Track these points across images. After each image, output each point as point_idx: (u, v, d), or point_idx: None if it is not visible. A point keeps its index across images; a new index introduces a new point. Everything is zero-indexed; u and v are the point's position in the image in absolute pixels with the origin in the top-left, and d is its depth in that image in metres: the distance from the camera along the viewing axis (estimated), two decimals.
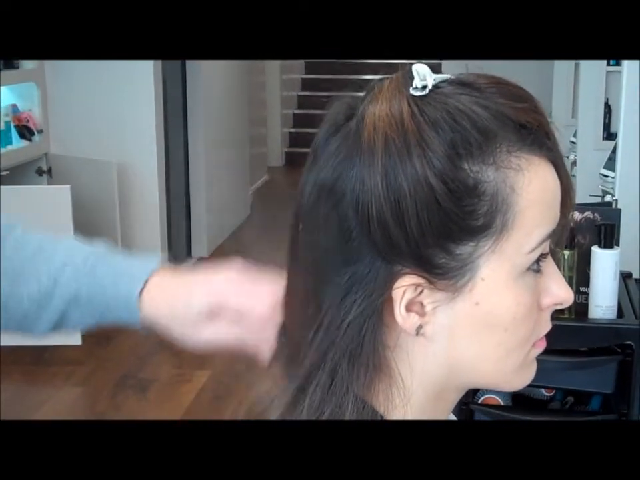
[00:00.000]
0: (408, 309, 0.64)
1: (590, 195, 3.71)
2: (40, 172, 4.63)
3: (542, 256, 0.66)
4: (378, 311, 0.65)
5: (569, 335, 1.99)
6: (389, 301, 0.65)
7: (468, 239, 0.63)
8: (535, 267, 0.66)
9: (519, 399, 2.16)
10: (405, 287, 0.64)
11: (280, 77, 8.72)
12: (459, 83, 0.65)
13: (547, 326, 0.69)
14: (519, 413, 2.07)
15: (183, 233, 5.88)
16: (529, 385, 2.30)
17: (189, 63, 5.62)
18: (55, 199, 4.00)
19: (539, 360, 2.22)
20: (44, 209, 3.97)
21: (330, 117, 0.67)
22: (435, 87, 0.64)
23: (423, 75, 0.64)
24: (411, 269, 0.63)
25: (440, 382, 0.69)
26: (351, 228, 0.63)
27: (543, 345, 0.70)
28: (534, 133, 0.64)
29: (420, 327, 0.65)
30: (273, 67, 8.41)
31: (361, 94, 0.67)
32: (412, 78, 0.64)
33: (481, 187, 0.62)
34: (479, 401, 2.11)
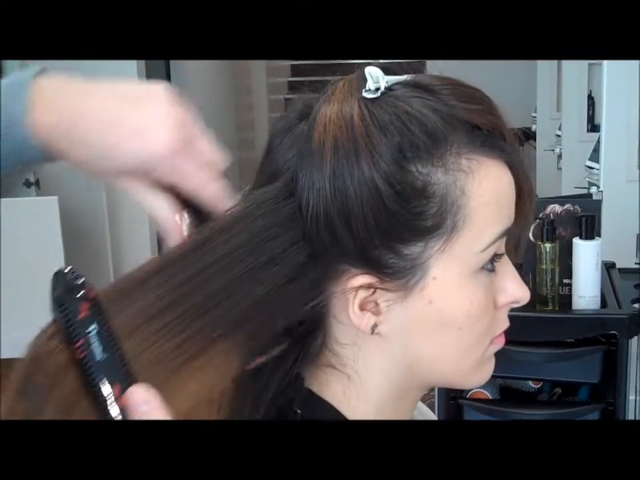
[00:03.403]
0: (362, 308, 0.65)
1: (575, 187, 3.73)
2: (28, 184, 4.62)
3: (496, 256, 0.66)
4: (331, 309, 0.66)
5: (554, 326, 2.00)
6: (343, 300, 0.65)
7: (416, 239, 0.63)
8: (489, 267, 0.66)
9: (506, 392, 2.17)
10: (357, 287, 0.64)
11: (266, 80, 8.71)
12: (413, 85, 0.65)
13: (504, 324, 0.70)
14: (508, 406, 2.09)
15: None
16: (517, 378, 2.31)
17: (173, 68, 5.62)
18: (42, 210, 4.00)
19: (524, 352, 2.21)
20: (32, 220, 3.98)
21: (286, 114, 0.68)
22: (389, 89, 0.64)
23: (375, 77, 0.64)
24: (361, 270, 0.64)
25: (399, 380, 0.69)
26: (299, 228, 0.63)
27: (501, 342, 0.70)
28: (487, 134, 0.64)
29: (375, 325, 0.65)
30: (258, 70, 8.40)
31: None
32: (365, 80, 0.64)
33: (429, 188, 0.62)
34: (467, 396, 2.12)
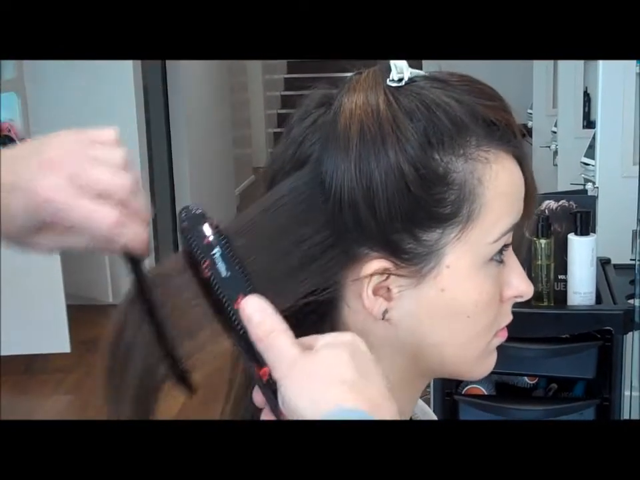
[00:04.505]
0: (375, 293, 0.66)
1: (571, 184, 3.73)
2: None
3: (504, 247, 0.68)
4: (343, 294, 0.68)
5: (549, 322, 2.01)
6: (356, 284, 0.67)
7: (435, 225, 0.65)
8: (498, 258, 0.68)
9: (502, 388, 2.18)
10: (373, 271, 0.66)
11: (262, 78, 8.71)
12: (433, 78, 0.67)
13: (507, 317, 0.72)
14: (503, 402, 2.09)
15: (169, 238, 5.87)
16: (512, 374, 2.31)
17: (169, 67, 5.62)
18: None
19: (520, 348, 2.22)
20: None
21: (305, 104, 0.70)
22: (411, 80, 0.67)
23: (400, 67, 0.66)
24: (378, 254, 0.65)
25: (406, 368, 0.70)
26: (323, 210, 0.65)
27: (504, 335, 0.72)
28: (501, 129, 0.67)
29: (386, 311, 0.67)
30: (254, 67, 8.40)
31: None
32: (389, 70, 0.67)
33: (450, 176, 0.64)
34: (463, 392, 2.12)
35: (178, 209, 5.86)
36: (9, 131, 4.54)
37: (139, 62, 4.73)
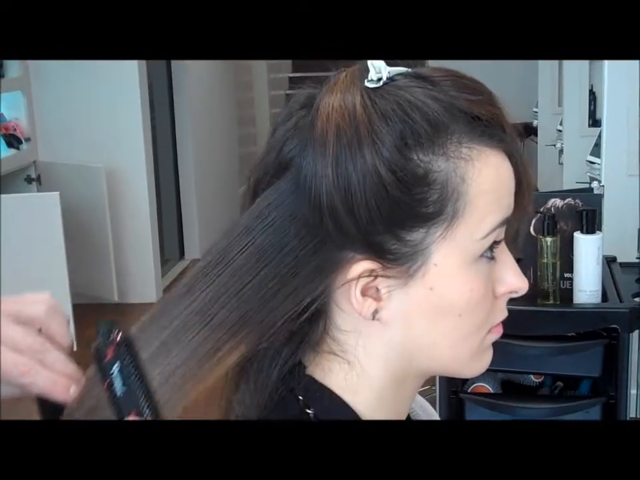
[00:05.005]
0: (364, 293, 0.66)
1: (577, 182, 3.74)
2: (29, 180, 4.64)
3: (495, 243, 0.67)
4: (333, 297, 0.68)
5: (555, 320, 2.00)
6: (345, 286, 0.66)
7: (418, 225, 0.64)
8: (489, 254, 0.67)
9: (508, 386, 2.18)
10: (360, 273, 0.65)
11: (267, 76, 8.71)
12: (415, 76, 0.66)
13: (502, 313, 0.71)
14: (509, 400, 2.09)
15: (174, 235, 5.88)
16: (518, 372, 2.30)
17: (174, 65, 5.63)
18: (44, 206, 4.01)
19: (526, 347, 2.21)
20: (34, 217, 3.98)
21: (289, 106, 0.69)
22: (390, 79, 0.65)
23: (378, 67, 0.65)
24: (364, 255, 0.65)
25: (399, 367, 0.70)
26: (303, 215, 0.65)
27: (499, 332, 0.71)
28: (486, 124, 0.65)
29: (376, 311, 0.66)
30: (259, 66, 8.40)
31: None
32: (368, 71, 0.66)
33: (431, 176, 0.64)
34: (469, 390, 2.12)
35: (183, 206, 5.90)
36: (15, 129, 4.55)
37: (143, 61, 4.74)
